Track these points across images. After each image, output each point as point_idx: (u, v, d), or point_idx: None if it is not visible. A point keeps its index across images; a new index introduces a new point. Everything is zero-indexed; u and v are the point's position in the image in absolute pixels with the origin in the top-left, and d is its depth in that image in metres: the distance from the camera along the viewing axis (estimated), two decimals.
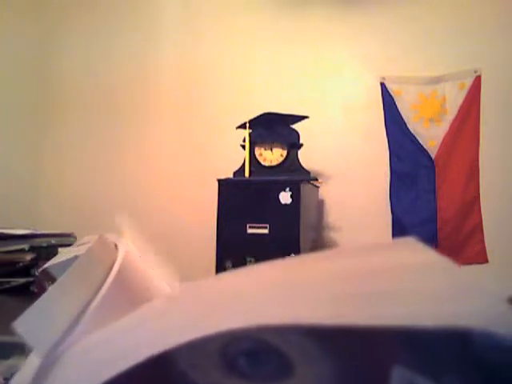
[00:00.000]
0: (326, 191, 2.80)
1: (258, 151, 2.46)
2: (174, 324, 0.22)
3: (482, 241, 2.62)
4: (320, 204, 2.81)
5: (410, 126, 2.74)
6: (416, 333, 0.19)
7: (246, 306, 0.21)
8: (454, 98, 2.70)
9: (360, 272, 0.24)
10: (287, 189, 2.26)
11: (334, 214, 2.84)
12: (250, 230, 2.27)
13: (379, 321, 0.19)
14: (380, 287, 0.22)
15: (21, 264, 1.17)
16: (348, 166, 2.82)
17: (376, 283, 0.22)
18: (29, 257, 1.19)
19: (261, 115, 2.40)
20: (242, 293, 0.23)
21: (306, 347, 0.20)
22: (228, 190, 2.36)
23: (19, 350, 0.42)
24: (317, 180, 2.53)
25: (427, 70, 2.73)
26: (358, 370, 0.20)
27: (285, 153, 2.45)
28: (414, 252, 0.25)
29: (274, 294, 0.22)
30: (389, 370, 0.20)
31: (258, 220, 2.27)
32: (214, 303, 0.22)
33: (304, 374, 0.20)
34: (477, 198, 2.65)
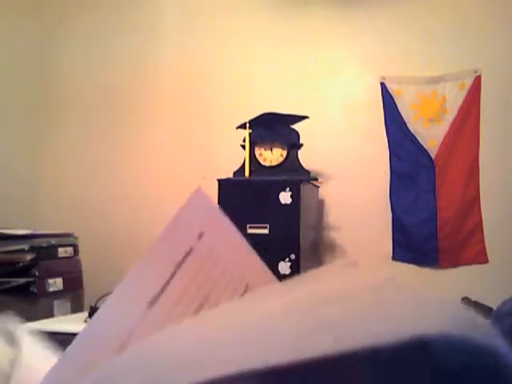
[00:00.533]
0: (326, 191, 2.80)
1: (258, 151, 2.46)
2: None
3: (482, 241, 2.63)
4: (320, 204, 2.81)
5: (410, 126, 2.74)
6: (375, 352, 0.18)
7: (195, 359, 0.20)
8: (453, 98, 2.70)
9: (310, 302, 0.23)
10: (287, 189, 2.26)
11: (333, 214, 2.84)
12: (250, 230, 2.27)
13: (336, 347, 0.18)
14: (332, 314, 0.21)
15: (21, 264, 1.17)
16: (348, 166, 2.82)
17: (327, 311, 0.21)
18: (29, 257, 1.19)
19: (261, 115, 2.40)
20: (189, 345, 0.21)
21: None
22: (228, 190, 2.36)
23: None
24: (317, 180, 2.53)
25: (427, 70, 2.73)
26: None
27: (285, 153, 2.45)
28: (352, 276, 0.25)
29: (223, 341, 0.21)
30: None
31: (258, 220, 2.27)
32: (160, 364, 0.21)
33: None
34: (477, 198, 2.65)
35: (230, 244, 0.33)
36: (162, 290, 0.29)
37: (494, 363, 0.19)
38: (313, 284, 0.25)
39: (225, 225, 0.33)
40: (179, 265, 0.31)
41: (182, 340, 0.22)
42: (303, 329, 0.20)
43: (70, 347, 0.27)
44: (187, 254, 0.31)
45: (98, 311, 0.29)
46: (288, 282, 0.27)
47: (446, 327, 0.18)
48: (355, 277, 0.25)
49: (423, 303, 0.21)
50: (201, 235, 0.31)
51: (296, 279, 0.27)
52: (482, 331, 0.19)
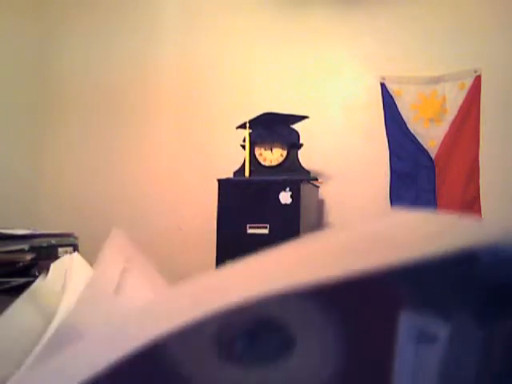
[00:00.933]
0: (326, 191, 2.80)
1: (258, 151, 2.46)
2: (164, 310, 0.21)
3: None
4: (320, 204, 2.81)
5: (410, 126, 2.74)
6: (419, 266, 0.18)
7: (240, 283, 0.20)
8: (453, 98, 2.70)
9: (357, 233, 0.23)
10: (287, 189, 2.26)
11: (333, 214, 2.84)
12: (249, 230, 2.27)
13: (379, 263, 0.18)
14: (377, 233, 0.21)
15: (21, 264, 1.17)
16: (348, 166, 2.82)
17: (376, 235, 0.21)
18: (29, 257, 1.19)
19: (261, 115, 2.40)
20: (236, 273, 0.22)
21: (306, 312, 0.19)
22: (228, 190, 2.36)
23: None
24: (317, 180, 2.53)
25: (427, 70, 2.73)
26: (362, 329, 0.19)
27: (285, 153, 2.45)
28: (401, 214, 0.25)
29: (270, 266, 0.21)
30: (396, 320, 0.19)
31: (258, 220, 2.27)
32: (206, 287, 0.21)
33: (306, 349, 0.19)
34: (477, 198, 2.65)
35: (147, 276, 0.39)
36: (119, 284, 0.34)
37: None
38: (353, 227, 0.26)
39: (142, 260, 0.39)
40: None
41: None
42: (350, 247, 0.20)
43: (57, 330, 0.29)
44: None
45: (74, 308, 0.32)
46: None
47: (496, 238, 0.18)
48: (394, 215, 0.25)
49: (469, 220, 0.20)
50: (125, 270, 0.35)
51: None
52: None
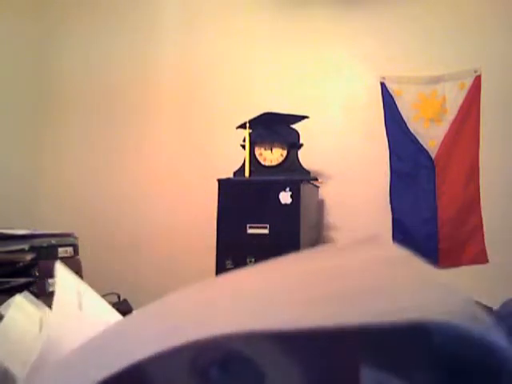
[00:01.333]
0: (326, 191, 2.80)
1: (258, 151, 2.46)
2: (143, 336, 0.21)
3: (482, 241, 2.62)
4: (320, 204, 2.81)
5: (410, 126, 2.74)
6: (378, 330, 0.19)
7: (217, 315, 0.21)
8: (453, 97, 2.70)
9: (326, 272, 0.24)
10: (287, 189, 2.26)
11: (333, 214, 2.84)
12: (249, 230, 2.27)
13: (342, 320, 0.19)
14: (343, 287, 0.22)
15: (21, 264, 1.17)
16: (348, 166, 2.82)
17: (340, 283, 0.22)
18: (29, 257, 1.19)
19: (261, 115, 2.40)
20: (214, 302, 0.23)
21: (273, 354, 0.20)
22: (228, 190, 2.36)
23: None
24: (317, 180, 2.53)
25: (427, 70, 2.73)
26: (327, 376, 0.20)
27: (285, 153, 2.45)
28: (378, 249, 0.26)
29: (246, 301, 0.22)
30: (358, 371, 0.20)
31: (258, 220, 2.27)
32: (185, 314, 0.22)
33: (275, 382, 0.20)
34: (477, 198, 2.65)
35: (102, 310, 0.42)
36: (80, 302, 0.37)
37: (490, 356, 0.19)
38: (332, 255, 0.26)
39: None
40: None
41: (192, 301, 0.24)
42: (311, 299, 0.21)
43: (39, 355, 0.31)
44: None
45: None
46: (310, 252, 0.29)
47: (449, 317, 0.19)
48: (373, 249, 0.25)
49: (431, 287, 0.21)
50: (79, 291, 0.38)
51: (317, 249, 0.29)
52: (484, 325, 0.19)
